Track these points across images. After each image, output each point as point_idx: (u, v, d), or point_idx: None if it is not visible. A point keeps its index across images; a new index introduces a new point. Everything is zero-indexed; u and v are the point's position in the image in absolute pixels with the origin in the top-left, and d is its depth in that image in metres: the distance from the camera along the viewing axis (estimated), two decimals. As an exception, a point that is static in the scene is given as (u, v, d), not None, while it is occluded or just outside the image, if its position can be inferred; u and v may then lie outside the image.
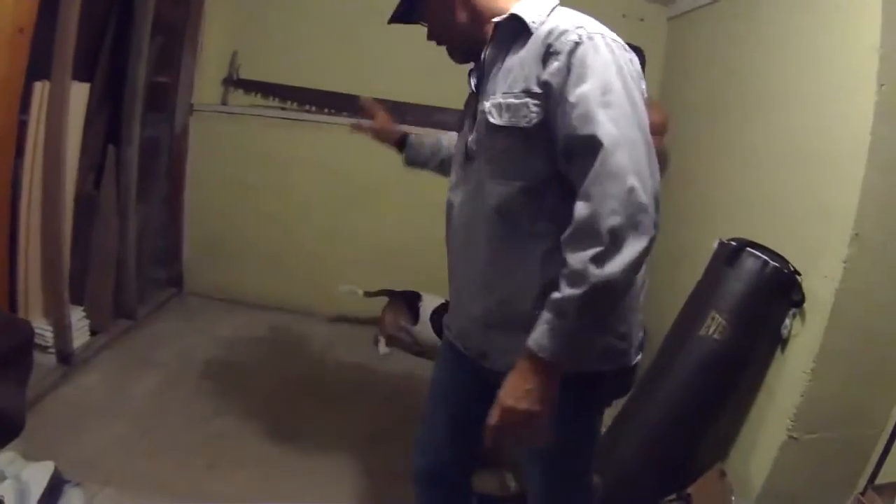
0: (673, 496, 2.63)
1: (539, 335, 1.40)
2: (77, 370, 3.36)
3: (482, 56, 1.66)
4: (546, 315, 1.40)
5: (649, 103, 3.61)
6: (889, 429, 2.24)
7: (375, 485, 2.89)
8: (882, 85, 2.18)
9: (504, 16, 1.59)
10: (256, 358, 3.87)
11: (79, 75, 3.17)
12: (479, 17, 1.67)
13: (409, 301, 4.19)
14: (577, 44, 1.44)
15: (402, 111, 4.20)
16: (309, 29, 4.29)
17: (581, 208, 1.38)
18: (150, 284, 4.33)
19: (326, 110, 4.35)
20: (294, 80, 4.36)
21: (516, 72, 1.53)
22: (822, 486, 2.45)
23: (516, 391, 1.42)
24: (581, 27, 1.46)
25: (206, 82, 4.34)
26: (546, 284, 1.49)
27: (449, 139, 2.24)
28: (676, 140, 3.91)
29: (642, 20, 4.29)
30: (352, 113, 4.22)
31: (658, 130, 3.83)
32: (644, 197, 1.36)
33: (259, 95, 4.41)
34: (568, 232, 1.40)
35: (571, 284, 1.37)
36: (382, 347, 4.25)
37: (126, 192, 3.78)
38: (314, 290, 4.54)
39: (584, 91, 1.41)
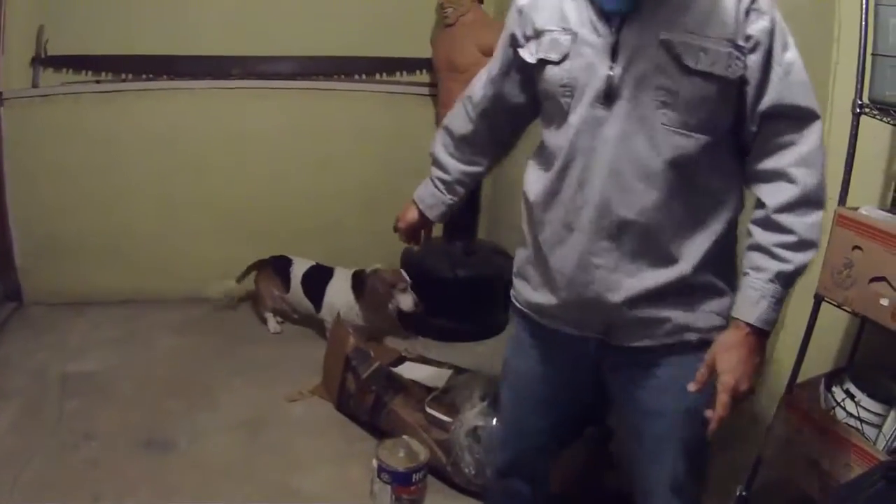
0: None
1: (764, 310, 1.44)
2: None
3: None
4: (771, 287, 1.43)
5: (490, 23, 3.39)
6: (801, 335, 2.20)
7: (265, 478, 2.78)
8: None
9: None
10: (113, 363, 3.56)
11: None
12: None
13: (279, 268, 3.93)
14: (771, 5, 1.41)
15: (225, 66, 3.93)
16: None
17: (806, 175, 1.41)
18: (-17, 305, 3.90)
19: (144, 76, 3.97)
20: (106, 49, 3.94)
21: (712, 13, 1.39)
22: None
23: (744, 372, 1.43)
24: None
25: (12, 66, 3.86)
26: (714, 248, 1.50)
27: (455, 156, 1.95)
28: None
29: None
30: (172, 76, 3.92)
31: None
32: None
33: (71, 71, 3.96)
34: (791, 197, 1.42)
35: (800, 249, 1.42)
36: (273, 325, 3.98)
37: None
38: (162, 274, 4.24)
39: (791, 58, 1.41)
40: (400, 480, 2.44)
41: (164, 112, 3.98)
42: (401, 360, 3.25)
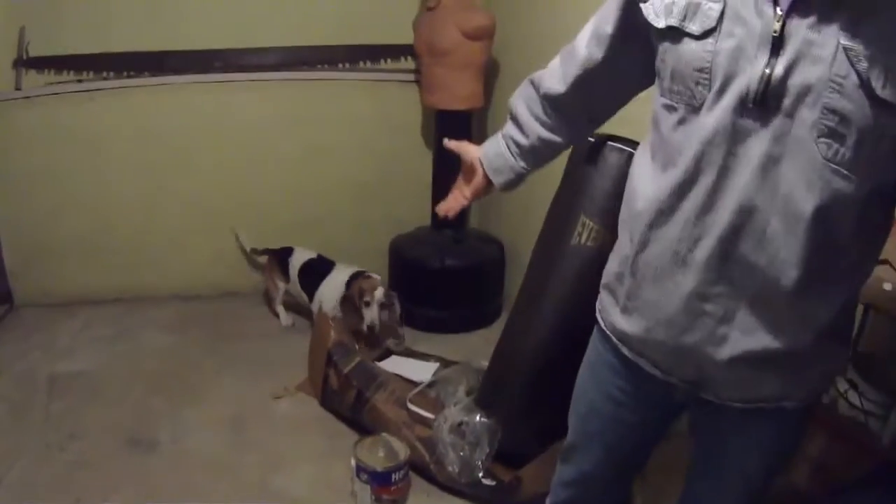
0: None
1: None
2: None
3: None
4: None
5: (472, 6, 3.25)
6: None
7: (247, 477, 2.74)
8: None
9: None
10: (102, 362, 3.53)
11: None
12: None
13: (281, 257, 3.89)
14: None
15: (206, 60, 3.87)
16: None
17: None
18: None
19: (126, 73, 3.92)
20: (87, 48, 3.89)
21: None
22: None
23: None
24: None
25: None
26: (842, 314, 1.27)
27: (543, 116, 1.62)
28: (505, 43, 3.67)
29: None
30: (154, 72, 3.86)
31: (486, 35, 3.59)
32: None
33: (53, 72, 3.91)
34: None
35: None
36: (284, 317, 3.93)
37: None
38: (152, 271, 4.23)
39: None
40: (379, 480, 2.39)
41: (148, 109, 3.92)
42: (387, 353, 3.22)
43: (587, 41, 1.47)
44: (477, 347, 3.48)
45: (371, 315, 3.31)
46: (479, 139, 3.93)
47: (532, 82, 1.63)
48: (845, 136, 1.07)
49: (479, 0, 3.80)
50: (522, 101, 1.64)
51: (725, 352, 1.24)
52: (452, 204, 1.83)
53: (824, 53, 1.05)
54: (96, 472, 2.70)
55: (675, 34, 1.22)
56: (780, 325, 1.21)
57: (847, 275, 1.22)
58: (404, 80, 4.11)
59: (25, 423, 3.02)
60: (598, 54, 1.45)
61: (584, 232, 2.37)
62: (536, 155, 1.67)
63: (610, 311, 1.46)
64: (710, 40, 1.15)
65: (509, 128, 1.68)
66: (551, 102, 1.58)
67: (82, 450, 2.84)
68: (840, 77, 1.04)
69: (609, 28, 1.41)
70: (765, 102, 1.10)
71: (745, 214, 1.15)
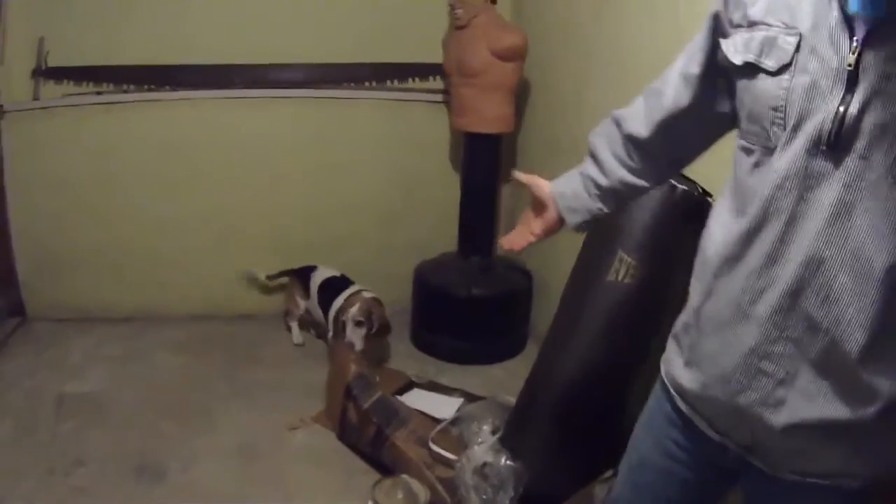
0: (610, 472, 2.33)
1: None
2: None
3: None
4: None
5: (503, 25, 3.14)
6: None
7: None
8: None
9: None
10: (112, 383, 3.45)
11: None
12: None
13: (303, 275, 3.80)
14: None
15: (228, 74, 3.80)
16: (120, 1, 3.76)
17: None
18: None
19: (146, 87, 3.86)
20: (107, 60, 3.85)
21: None
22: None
23: None
24: None
25: (13, 78, 3.79)
26: None
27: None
28: (539, 65, 3.56)
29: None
30: (174, 86, 3.81)
31: (517, 55, 3.48)
32: None
33: (72, 83, 3.86)
34: None
35: None
36: (296, 335, 3.86)
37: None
38: (166, 290, 4.14)
39: None
40: (397, 525, 2.27)
41: (167, 123, 3.85)
42: (409, 385, 3.10)
43: (674, 84, 1.38)
44: (502, 380, 3.39)
45: (356, 336, 3.24)
46: (508, 163, 3.89)
47: (615, 121, 1.52)
48: None
49: (510, 19, 3.70)
50: (604, 141, 1.53)
51: (782, 417, 1.14)
52: (519, 240, 1.70)
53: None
54: (100, 502, 2.62)
55: (751, 71, 1.13)
56: (844, 393, 1.09)
57: None
58: (432, 101, 4.01)
59: (31, 444, 2.93)
60: (686, 98, 1.35)
61: (622, 268, 2.28)
62: (617, 197, 1.55)
63: (673, 363, 1.37)
64: (785, 76, 1.07)
65: (589, 167, 1.56)
66: (635, 145, 1.48)
67: (87, 476, 2.76)
68: None
69: (696, 69, 1.33)
70: (838, 144, 1.00)
71: (813, 267, 1.05)
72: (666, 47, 2.59)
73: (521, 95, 3.76)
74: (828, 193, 1.02)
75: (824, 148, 1.01)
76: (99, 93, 3.85)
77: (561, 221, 1.61)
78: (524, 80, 3.73)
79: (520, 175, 1.70)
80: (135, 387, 3.40)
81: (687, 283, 2.03)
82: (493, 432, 2.62)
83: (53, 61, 3.76)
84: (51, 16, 3.72)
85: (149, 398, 3.30)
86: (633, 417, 2.39)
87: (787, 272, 1.07)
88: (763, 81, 1.11)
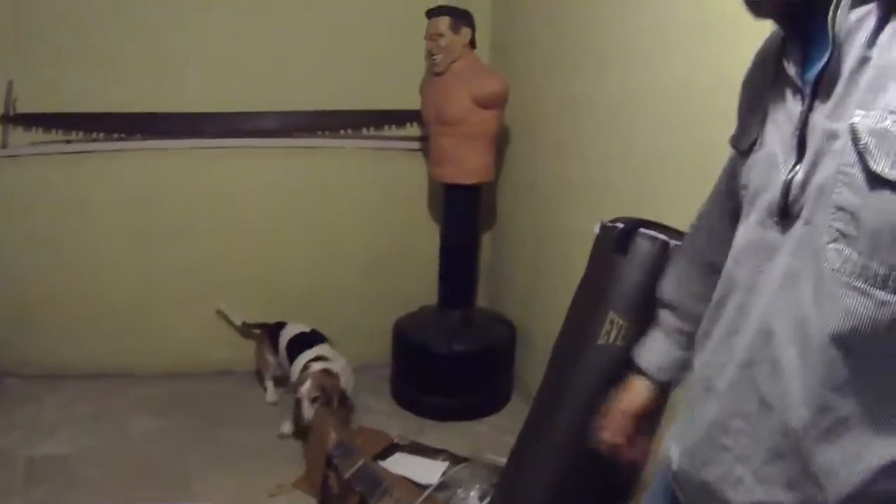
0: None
1: None
2: None
3: (830, 20, 0.89)
4: None
5: (484, 70, 3.07)
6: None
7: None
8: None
9: None
10: (85, 443, 3.33)
11: None
12: None
13: (273, 331, 3.70)
14: None
15: (202, 123, 3.75)
16: (92, 47, 3.70)
17: None
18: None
19: (117, 135, 3.80)
20: (78, 107, 3.78)
21: None
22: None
23: None
24: None
25: None
26: (885, 473, 0.92)
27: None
28: (519, 112, 3.52)
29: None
30: (146, 135, 3.74)
31: (498, 102, 3.42)
32: None
33: (41, 130, 3.78)
34: None
35: None
36: (270, 393, 3.74)
37: None
38: (141, 346, 4.03)
39: None
40: None
41: (141, 173, 3.78)
42: (391, 448, 2.99)
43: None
44: (486, 436, 3.30)
45: (304, 412, 3.12)
46: (488, 214, 3.82)
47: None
48: (854, 239, 0.87)
49: (488, 63, 3.67)
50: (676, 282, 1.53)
51: (740, 497, 1.05)
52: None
53: (838, 144, 0.88)
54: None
55: (737, 155, 1.16)
56: (797, 479, 0.97)
57: (876, 402, 0.92)
58: (410, 149, 3.96)
59: None
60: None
61: (613, 330, 2.22)
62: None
63: (672, 433, 1.27)
64: (754, 154, 1.06)
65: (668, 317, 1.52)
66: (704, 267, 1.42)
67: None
68: (847, 166, 0.86)
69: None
70: (788, 211, 0.96)
71: (763, 339, 0.98)
72: (647, 92, 2.58)
73: (501, 143, 3.71)
74: (779, 263, 0.97)
75: (776, 216, 0.98)
76: (68, 141, 3.78)
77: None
78: (504, 127, 3.67)
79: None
80: (108, 450, 3.28)
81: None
82: (481, 498, 2.53)
83: (22, 107, 3.70)
84: (21, 58, 3.66)
85: (123, 462, 3.18)
86: (627, 489, 2.34)
87: (742, 344, 1.02)
88: (739, 163, 1.13)
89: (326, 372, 3.24)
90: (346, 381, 3.31)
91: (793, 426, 0.95)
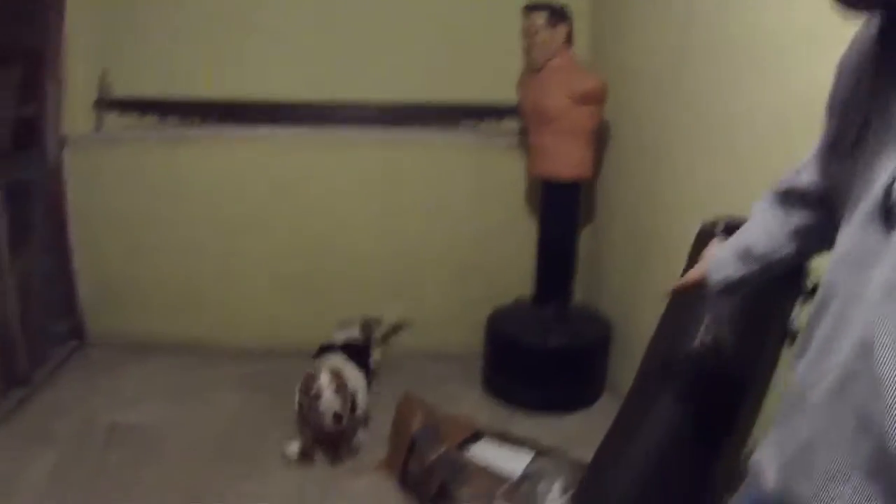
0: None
1: None
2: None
3: None
4: None
5: (580, 68, 3.03)
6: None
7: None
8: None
9: None
10: (166, 415, 3.42)
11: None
12: None
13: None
14: None
15: (295, 113, 3.84)
16: (185, 33, 3.82)
17: None
18: (48, 341, 3.86)
19: (211, 122, 3.92)
20: (172, 93, 3.91)
21: None
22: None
23: None
24: None
25: (76, 109, 3.85)
26: None
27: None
28: (620, 108, 3.48)
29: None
30: (238, 122, 3.86)
31: (595, 99, 3.38)
32: None
33: (135, 115, 3.95)
34: None
35: None
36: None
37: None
38: (225, 325, 4.14)
39: None
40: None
41: (231, 161, 3.88)
42: (477, 436, 2.96)
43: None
44: (575, 431, 3.27)
45: (327, 411, 2.94)
46: (587, 210, 3.76)
47: None
48: None
49: (588, 58, 3.65)
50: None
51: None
52: None
53: None
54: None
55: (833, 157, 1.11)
56: (891, 501, 0.89)
57: None
58: (507, 144, 3.93)
59: (79, 472, 2.92)
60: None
61: (710, 333, 2.18)
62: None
63: (761, 447, 1.19)
64: (852, 153, 0.98)
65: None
66: None
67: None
68: None
69: None
70: (891, 217, 0.86)
71: (863, 353, 0.88)
72: (755, 93, 2.51)
73: (601, 139, 3.65)
74: (882, 270, 0.87)
75: (879, 218, 0.89)
76: (161, 126, 3.92)
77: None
78: (604, 123, 3.61)
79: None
80: (188, 423, 3.36)
81: (775, 352, 1.94)
82: (564, 490, 2.51)
83: (117, 93, 3.84)
84: (114, 46, 3.80)
85: (201, 436, 3.25)
86: (714, 494, 2.29)
87: (840, 357, 0.93)
88: (841, 163, 1.04)
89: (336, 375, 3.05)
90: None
91: (894, 447, 0.87)
